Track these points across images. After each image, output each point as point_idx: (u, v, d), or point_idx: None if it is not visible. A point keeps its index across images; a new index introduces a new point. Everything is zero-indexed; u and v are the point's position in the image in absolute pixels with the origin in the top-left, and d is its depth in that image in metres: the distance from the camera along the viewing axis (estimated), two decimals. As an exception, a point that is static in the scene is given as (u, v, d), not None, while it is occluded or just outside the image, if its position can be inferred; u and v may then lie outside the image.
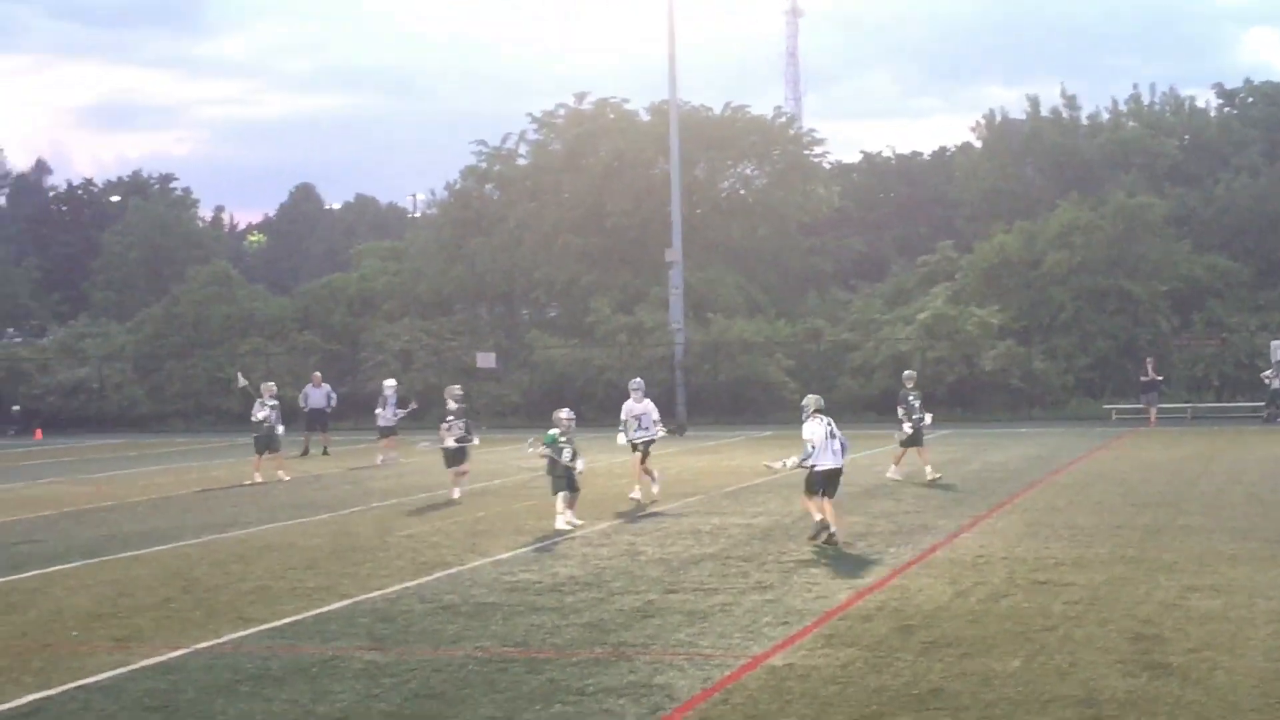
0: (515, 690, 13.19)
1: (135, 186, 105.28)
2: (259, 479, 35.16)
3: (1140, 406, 52.79)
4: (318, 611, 17.33)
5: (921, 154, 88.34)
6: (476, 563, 20.99)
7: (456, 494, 30.09)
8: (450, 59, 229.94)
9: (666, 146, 63.86)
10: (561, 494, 25.22)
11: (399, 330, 65.65)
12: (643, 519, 25.92)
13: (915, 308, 60.55)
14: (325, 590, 18.80)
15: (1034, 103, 73.46)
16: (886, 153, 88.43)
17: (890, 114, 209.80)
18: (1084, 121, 73.01)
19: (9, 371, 68.31)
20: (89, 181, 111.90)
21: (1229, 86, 74.83)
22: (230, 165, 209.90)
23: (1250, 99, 73.61)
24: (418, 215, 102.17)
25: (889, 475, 31.78)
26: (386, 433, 41.34)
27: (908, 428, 32.20)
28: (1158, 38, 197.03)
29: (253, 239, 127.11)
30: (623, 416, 29.43)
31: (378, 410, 42.20)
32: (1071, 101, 73.20)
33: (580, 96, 71.97)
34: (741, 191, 73.40)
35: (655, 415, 29.54)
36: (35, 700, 13.26)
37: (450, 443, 30.38)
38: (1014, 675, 13.29)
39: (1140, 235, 59.89)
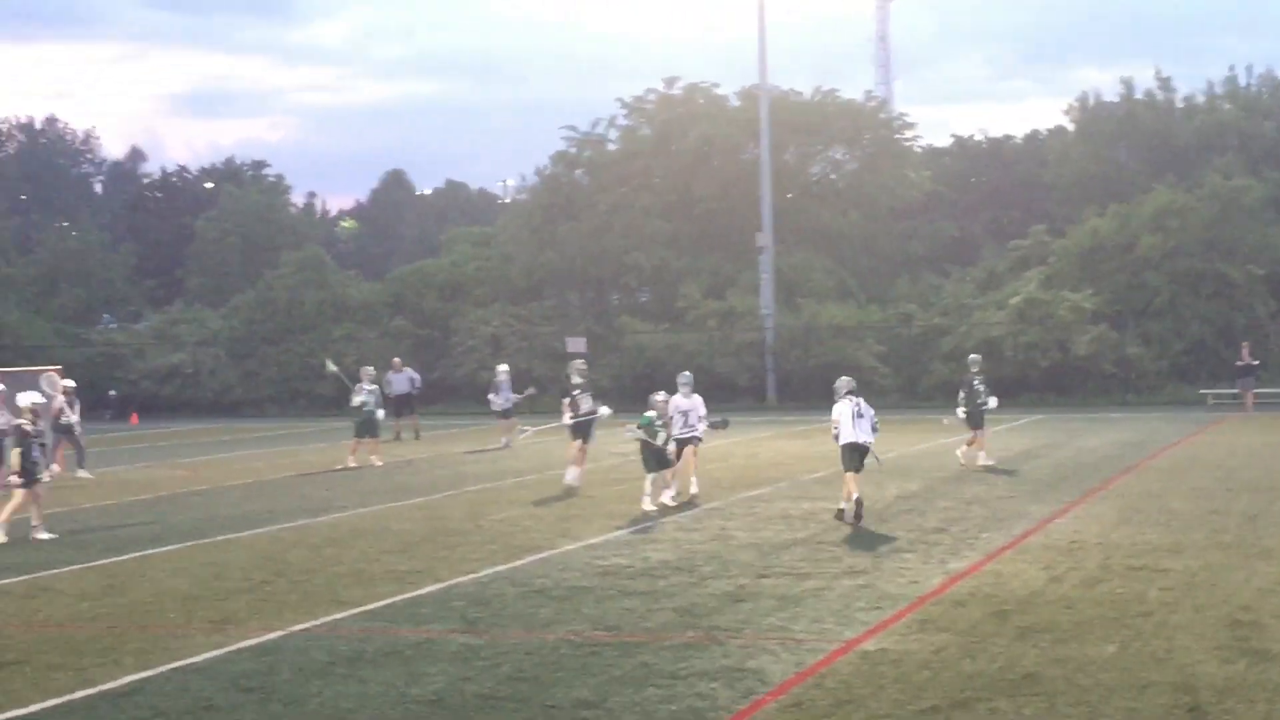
0: (607, 673, 13.21)
1: (229, 173, 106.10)
2: (352, 464, 35.38)
3: (1236, 391, 52.22)
4: (411, 595, 17.42)
5: (1014, 137, 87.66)
6: (568, 547, 21.04)
7: (571, 477, 28.46)
8: (540, 44, 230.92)
9: (756, 131, 63.76)
10: (652, 475, 25.33)
11: (489, 316, 65.84)
12: (735, 504, 25.87)
13: (1007, 292, 60.11)
14: (418, 574, 18.90)
15: (1128, 85, 72.83)
16: (978, 136, 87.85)
17: (982, 97, 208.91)
18: (1179, 104, 72.26)
19: (106, 357, 68.99)
20: (183, 168, 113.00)
21: (1328, 67, 73.82)
22: (322, 151, 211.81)
23: (1350, 79, 72.55)
24: (508, 201, 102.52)
25: (980, 463, 31.52)
26: (502, 415, 41.43)
27: (961, 412, 32.08)
28: (1254, 18, 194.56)
29: (345, 225, 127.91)
30: (669, 413, 26.72)
31: (490, 395, 42.27)
32: (1166, 83, 72.49)
33: (670, 81, 71.93)
34: (832, 176, 73.17)
35: (702, 411, 27.65)
36: (135, 681, 13.40)
37: (569, 418, 28.93)
38: (1109, 661, 13.19)
39: (1236, 218, 59.17)
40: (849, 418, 23.66)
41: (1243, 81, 71.93)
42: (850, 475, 23.28)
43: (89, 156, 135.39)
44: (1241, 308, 57.90)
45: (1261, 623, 14.73)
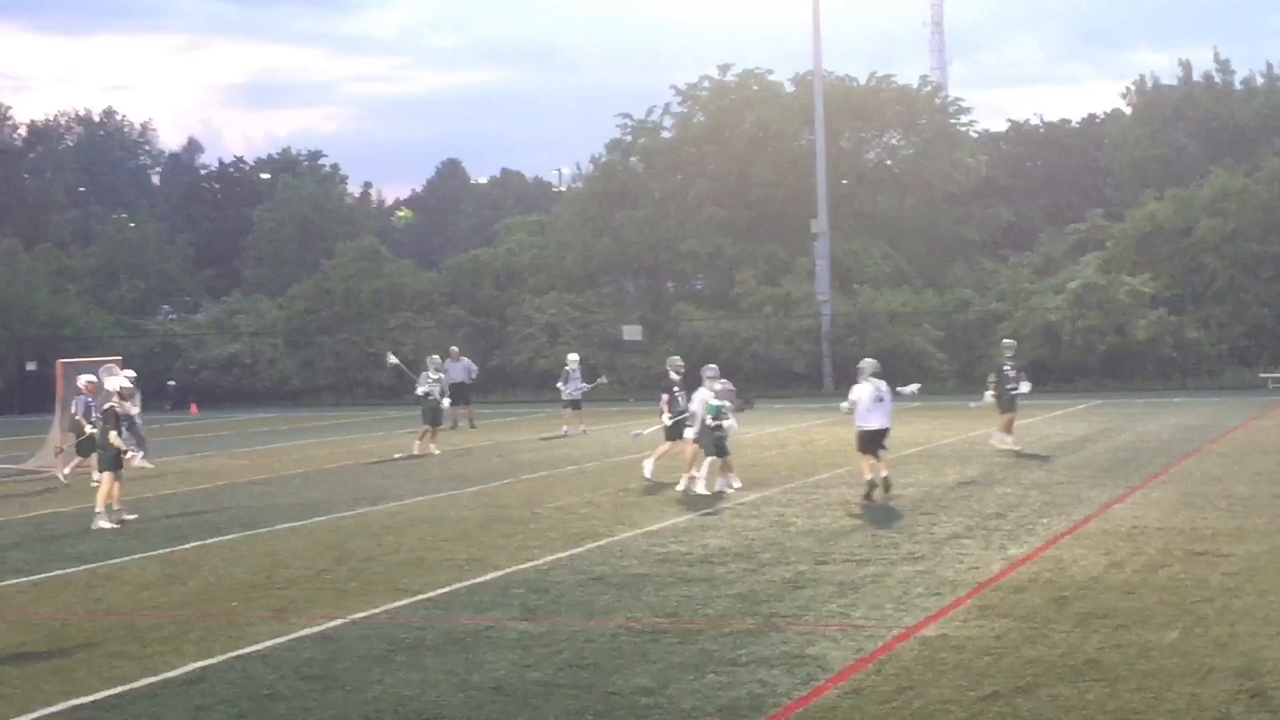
0: (667, 660, 13.21)
1: (285, 164, 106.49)
2: (416, 451, 35.47)
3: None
4: (470, 582, 17.47)
5: (1070, 121, 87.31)
6: (626, 534, 21.05)
7: (693, 483, 25.97)
8: (594, 32, 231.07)
9: (811, 118, 63.67)
10: (711, 459, 25.41)
11: (545, 304, 65.93)
12: (792, 490, 25.84)
13: (1065, 277, 59.84)
14: (477, 561, 18.94)
15: (1186, 68, 72.42)
16: (1034, 120, 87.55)
17: (1037, 81, 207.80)
18: (1237, 86, 71.76)
19: (164, 347, 69.43)
20: (239, 159, 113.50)
21: (1389, 48, 73.15)
22: (378, 141, 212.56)
23: None
24: (563, 189, 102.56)
25: (1006, 446, 31.46)
26: (572, 405, 41.45)
27: (989, 396, 32.13)
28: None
29: (401, 214, 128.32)
30: (693, 407, 26.42)
31: (559, 384, 42.30)
32: (1225, 66, 72.07)
33: (724, 68, 71.87)
34: (887, 162, 73.01)
35: (729, 404, 26.63)
36: (197, 669, 13.48)
37: (668, 419, 28.16)
38: (1171, 646, 13.12)
39: (1296, 201, 58.76)
40: (868, 401, 24.63)
41: (1302, 63, 71.37)
42: (866, 458, 24.31)
43: (146, 148, 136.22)
44: (1302, 291, 57.48)
45: (1325, 608, 14.64)
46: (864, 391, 24.71)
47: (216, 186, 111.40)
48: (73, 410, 29.69)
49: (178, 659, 13.88)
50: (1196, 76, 72.21)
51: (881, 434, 24.55)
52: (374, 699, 12.25)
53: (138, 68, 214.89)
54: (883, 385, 24.84)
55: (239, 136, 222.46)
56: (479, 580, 17.60)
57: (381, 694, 12.40)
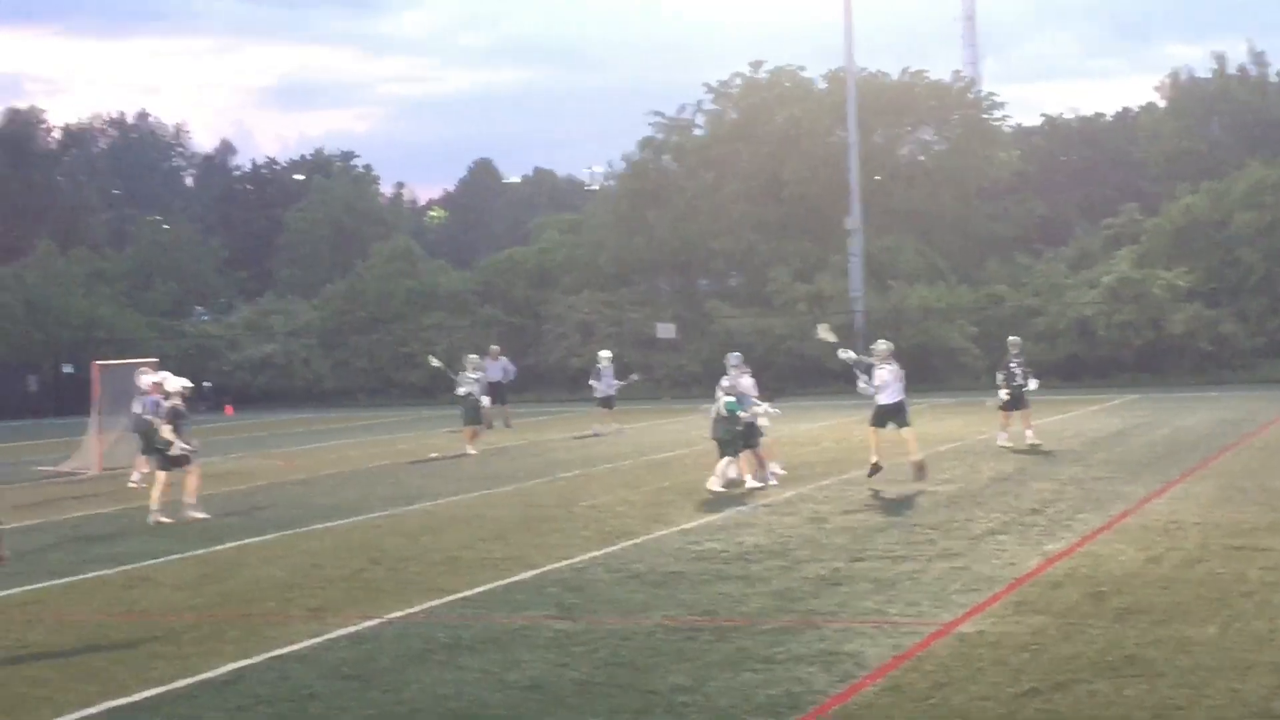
0: (704, 658, 13.20)
1: (317, 164, 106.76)
2: (471, 450, 35.47)
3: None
4: (507, 581, 17.47)
5: (1104, 115, 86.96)
6: (662, 532, 21.03)
7: (752, 480, 25.99)
8: (626, 29, 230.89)
9: (844, 114, 63.59)
10: (743, 453, 25.49)
11: (579, 303, 66.02)
12: (827, 488, 25.81)
13: (1100, 271, 59.69)
14: (513, 560, 18.94)
15: (1220, 60, 72.14)
16: (1068, 115, 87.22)
17: (1071, 75, 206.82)
18: (1272, 79, 71.41)
19: (199, 349, 69.62)
20: (272, 160, 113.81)
21: None
22: (410, 141, 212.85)
23: None
24: (595, 188, 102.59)
25: (999, 442, 31.60)
26: (604, 403, 41.45)
27: (1003, 394, 32.31)
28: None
29: (433, 214, 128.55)
30: (717, 396, 26.34)
31: (592, 381, 42.30)
32: (1260, 58, 71.75)
33: (756, 65, 71.82)
34: (920, 157, 72.84)
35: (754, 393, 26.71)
36: (235, 669, 13.51)
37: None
38: (1211, 642, 13.05)
39: (1332, 193, 58.48)
40: (895, 380, 26.50)
41: (1338, 54, 70.96)
42: (876, 434, 26.26)
43: (180, 150, 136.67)
44: (1339, 283, 57.22)
45: (1366, 602, 14.56)
46: (894, 373, 26.53)
47: (250, 188, 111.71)
48: (139, 410, 29.93)
49: (215, 660, 13.91)
50: (1231, 69, 71.87)
51: (895, 407, 26.41)
52: (411, 699, 12.27)
53: (171, 70, 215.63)
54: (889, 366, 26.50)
55: (272, 138, 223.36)
56: (515, 579, 17.60)
57: (419, 693, 12.41)
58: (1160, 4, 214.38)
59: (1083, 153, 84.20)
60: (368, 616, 15.63)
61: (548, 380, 63.05)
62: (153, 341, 65.82)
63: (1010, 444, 31.68)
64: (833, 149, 67.52)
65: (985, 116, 72.41)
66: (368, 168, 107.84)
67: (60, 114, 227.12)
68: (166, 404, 25.45)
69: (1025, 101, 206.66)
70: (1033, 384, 32.45)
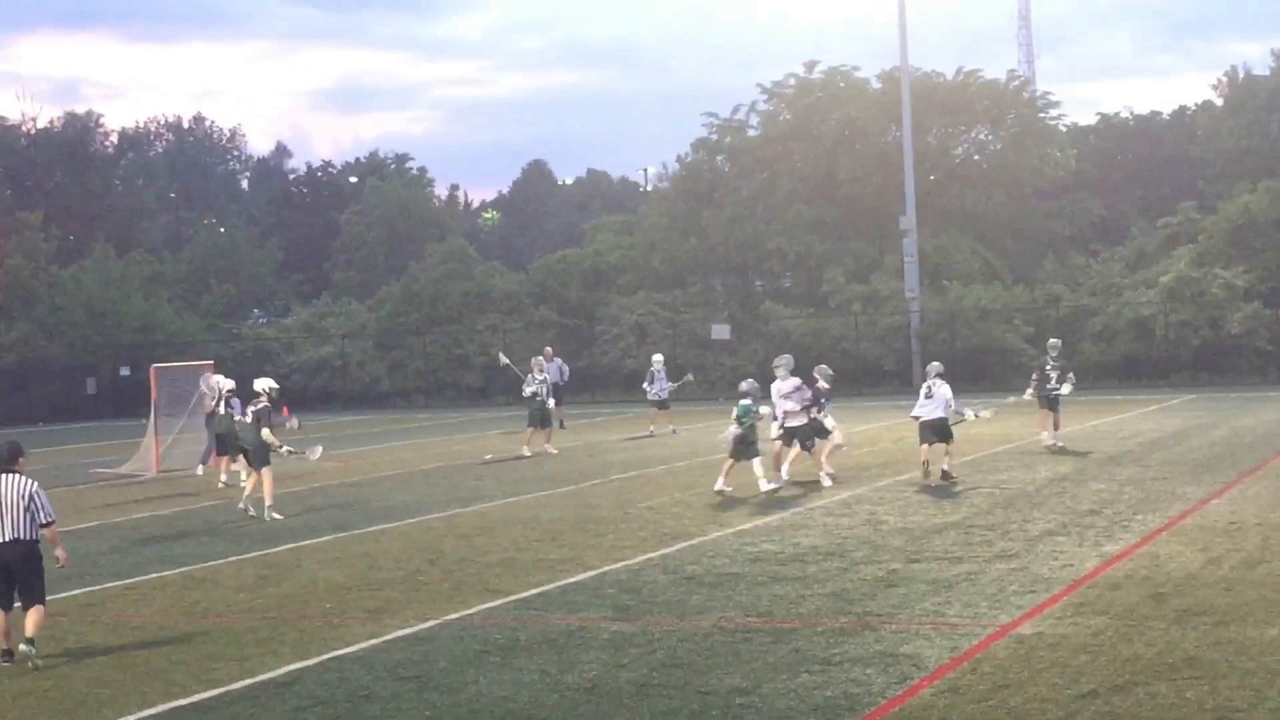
0: (761, 660, 13.18)
1: (372, 167, 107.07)
2: (526, 452, 35.46)
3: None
4: (563, 583, 17.49)
5: (1161, 114, 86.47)
6: (717, 534, 21.03)
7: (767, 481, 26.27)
8: (678, 31, 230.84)
9: (898, 114, 63.43)
10: (756, 459, 25.74)
11: (634, 304, 66.05)
12: (883, 489, 25.75)
13: (1157, 271, 59.35)
14: (569, 562, 18.97)
15: (1278, 58, 71.44)
16: (1124, 113, 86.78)
17: (1127, 73, 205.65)
18: (1331, 76, 70.94)
19: (256, 351, 69.93)
20: (327, 163, 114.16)
21: None
22: (464, 144, 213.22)
23: None
24: (649, 189, 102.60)
25: (1045, 441, 31.53)
26: (658, 405, 41.44)
27: (1029, 393, 32.71)
28: None
29: (487, 216, 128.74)
30: (773, 398, 26.92)
31: (645, 384, 42.25)
32: (1318, 55, 71.17)
33: (810, 65, 71.70)
34: (975, 157, 72.57)
35: (806, 394, 26.92)
36: (294, 670, 13.57)
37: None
38: (1272, 643, 12.96)
39: (1392, 191, 58.00)
40: (920, 398, 27.69)
41: (1398, 50, 70.46)
42: (924, 447, 26.94)
43: (235, 154, 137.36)
44: (1399, 282, 56.73)
45: None
46: (923, 392, 27.80)
47: (305, 191, 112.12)
48: (223, 412, 30.69)
49: (274, 660, 13.98)
50: (1289, 66, 71.46)
51: (929, 423, 27.03)
52: (468, 700, 12.30)
53: (226, 74, 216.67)
54: (932, 384, 27.47)
55: (327, 141, 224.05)
56: (571, 580, 17.62)
57: (476, 694, 12.44)
58: (1217, 1, 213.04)
59: (1139, 152, 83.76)
60: (424, 618, 15.67)
61: (602, 381, 63.09)
62: (210, 344, 66.22)
63: (1060, 443, 31.52)
64: (887, 149, 67.40)
65: (1041, 116, 72.06)
66: (422, 170, 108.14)
67: (117, 118, 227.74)
68: (255, 406, 25.85)
69: (1081, 100, 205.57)
70: (1066, 388, 32.40)
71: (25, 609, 14.22)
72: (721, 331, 61.78)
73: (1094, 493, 23.85)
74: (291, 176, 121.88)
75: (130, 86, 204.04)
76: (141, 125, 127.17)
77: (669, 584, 17.11)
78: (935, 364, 28.70)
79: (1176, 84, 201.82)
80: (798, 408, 26.69)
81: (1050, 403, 32.11)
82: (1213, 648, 12.89)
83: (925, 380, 27.93)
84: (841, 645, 13.57)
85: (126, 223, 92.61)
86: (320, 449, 28.23)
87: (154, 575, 19.45)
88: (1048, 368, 32.41)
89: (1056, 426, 32.13)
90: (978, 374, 57.65)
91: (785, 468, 26.69)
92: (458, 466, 34.13)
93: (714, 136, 72.75)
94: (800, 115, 70.35)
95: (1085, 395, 48.90)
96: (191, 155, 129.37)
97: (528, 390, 36.50)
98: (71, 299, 71.42)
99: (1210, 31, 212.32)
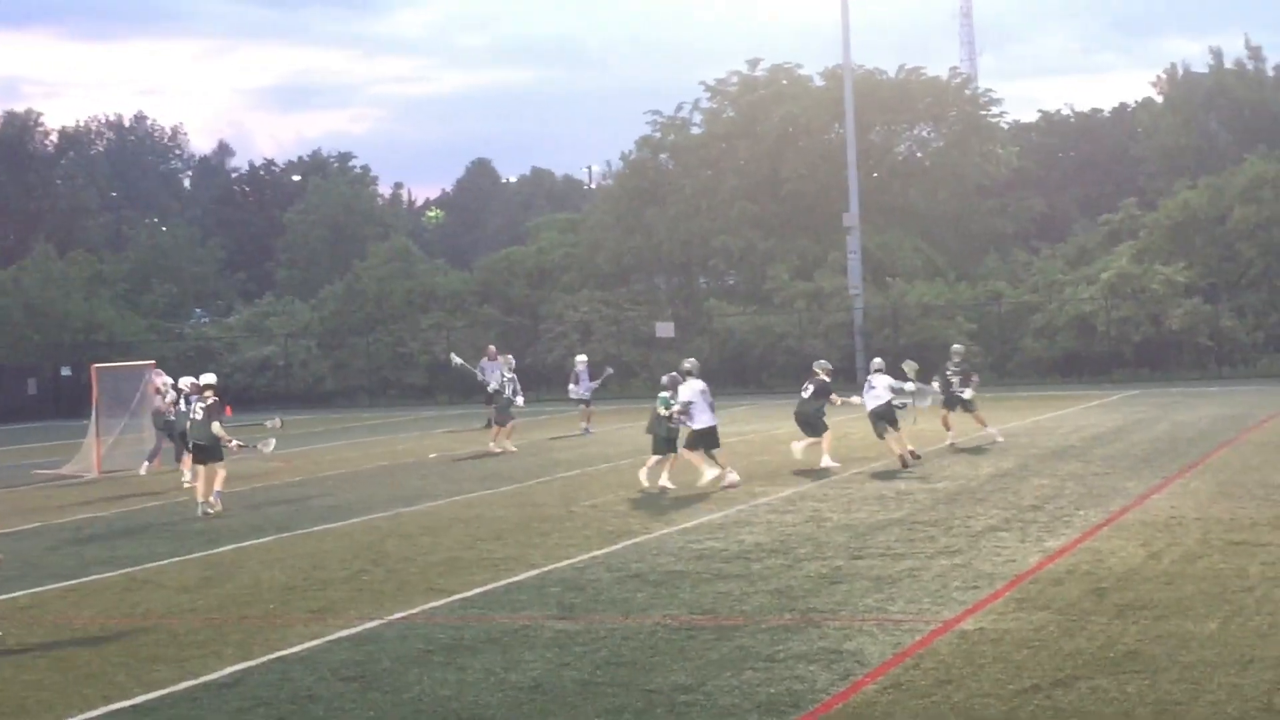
0: (705, 657, 13.20)
1: (315, 165, 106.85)
2: (512, 447, 35.49)
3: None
4: (507, 581, 17.47)
5: (1101, 111, 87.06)
6: (662, 531, 21.04)
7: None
8: (622, 29, 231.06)
9: (841, 111, 63.54)
10: (660, 455, 26.10)
11: (578, 302, 66.01)
12: (826, 485, 25.81)
13: (1098, 267, 59.68)
14: (514, 560, 18.95)
15: (1217, 55, 72.18)
16: (1065, 111, 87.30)
17: (1068, 71, 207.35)
18: (1270, 73, 71.42)
19: (198, 350, 69.54)
20: (270, 162, 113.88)
21: None
22: (407, 142, 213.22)
23: None
24: (593, 187, 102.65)
25: (946, 442, 31.75)
26: (584, 404, 41.45)
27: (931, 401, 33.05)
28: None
29: (431, 214, 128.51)
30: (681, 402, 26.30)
31: (570, 385, 42.23)
32: (1257, 52, 71.84)
33: (753, 63, 71.86)
34: (918, 154, 72.91)
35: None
36: (236, 671, 13.51)
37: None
38: (1212, 637, 13.05)
39: (1332, 188, 58.41)
40: (863, 391, 29.51)
41: (1335, 48, 71.03)
42: (888, 440, 28.41)
43: (177, 152, 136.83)
44: (1338, 278, 57.18)
45: (1366, 596, 14.55)
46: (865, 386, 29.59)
47: (247, 189, 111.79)
48: (185, 409, 30.45)
49: (216, 662, 13.91)
50: (1228, 64, 71.90)
51: (877, 412, 28.59)
52: (412, 699, 12.27)
53: (167, 72, 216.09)
54: (871, 377, 29.58)
55: (269, 139, 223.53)
56: (516, 579, 17.60)
57: (420, 694, 12.42)
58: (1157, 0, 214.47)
59: (1080, 149, 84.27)
60: (368, 618, 15.63)
61: (546, 380, 62.99)
62: (152, 344, 65.83)
63: (953, 441, 31.83)
64: (830, 146, 67.58)
65: (983, 113, 72.39)
66: (365, 168, 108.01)
67: (57, 117, 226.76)
68: (205, 402, 25.88)
69: (1023, 98, 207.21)
70: (967, 393, 32.99)
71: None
72: (666, 329, 61.81)
73: (1036, 488, 23.96)
74: (234, 175, 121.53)
75: (70, 85, 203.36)
76: (82, 124, 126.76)
77: (613, 582, 17.11)
78: (876, 359, 30.60)
79: (1117, 81, 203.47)
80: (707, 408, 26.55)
81: (960, 404, 32.86)
82: (1153, 642, 12.97)
83: (868, 375, 29.64)
84: (785, 642, 13.60)
85: (67, 222, 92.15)
86: (274, 443, 28.13)
87: (95, 577, 19.32)
88: (949, 373, 33.11)
89: (949, 425, 32.49)
90: (921, 372, 57.67)
91: (720, 474, 26.31)
92: (402, 466, 34.06)
93: (658, 134, 72.81)
94: (744, 113, 70.47)
95: (1027, 391, 49.33)
96: (133, 154, 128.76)
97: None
98: (12, 299, 70.94)
99: (1150, 30, 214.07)
